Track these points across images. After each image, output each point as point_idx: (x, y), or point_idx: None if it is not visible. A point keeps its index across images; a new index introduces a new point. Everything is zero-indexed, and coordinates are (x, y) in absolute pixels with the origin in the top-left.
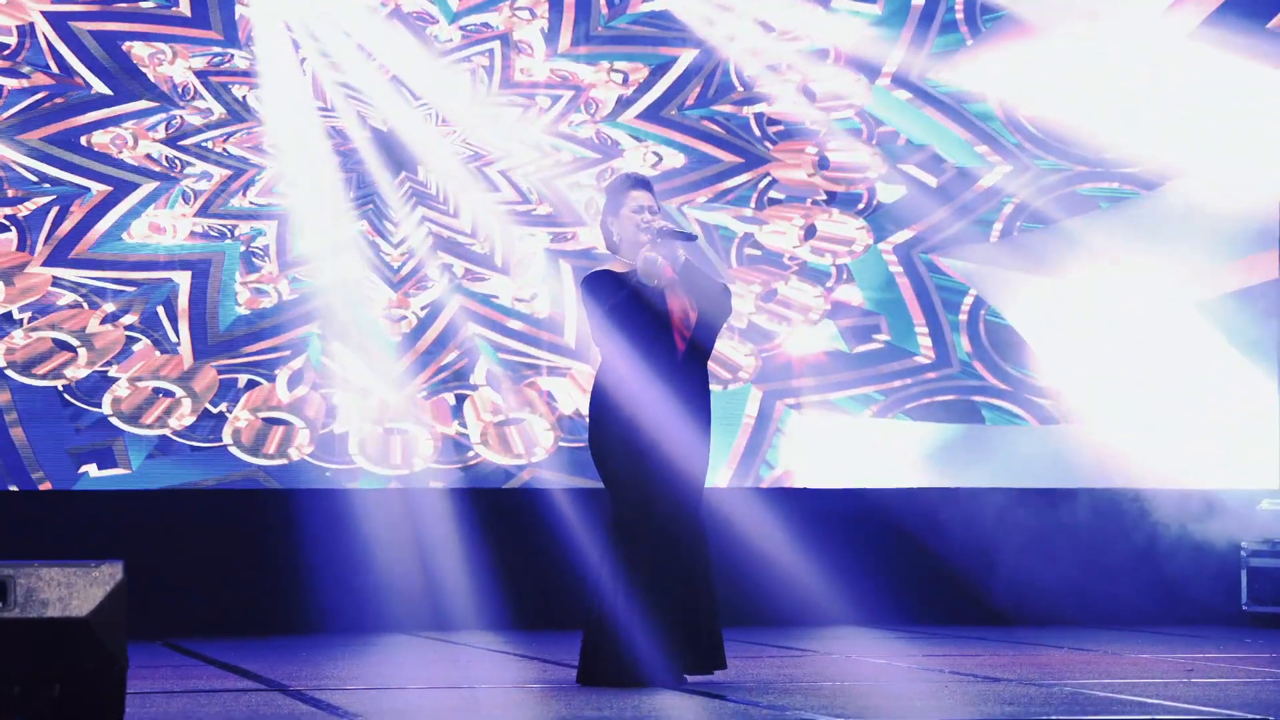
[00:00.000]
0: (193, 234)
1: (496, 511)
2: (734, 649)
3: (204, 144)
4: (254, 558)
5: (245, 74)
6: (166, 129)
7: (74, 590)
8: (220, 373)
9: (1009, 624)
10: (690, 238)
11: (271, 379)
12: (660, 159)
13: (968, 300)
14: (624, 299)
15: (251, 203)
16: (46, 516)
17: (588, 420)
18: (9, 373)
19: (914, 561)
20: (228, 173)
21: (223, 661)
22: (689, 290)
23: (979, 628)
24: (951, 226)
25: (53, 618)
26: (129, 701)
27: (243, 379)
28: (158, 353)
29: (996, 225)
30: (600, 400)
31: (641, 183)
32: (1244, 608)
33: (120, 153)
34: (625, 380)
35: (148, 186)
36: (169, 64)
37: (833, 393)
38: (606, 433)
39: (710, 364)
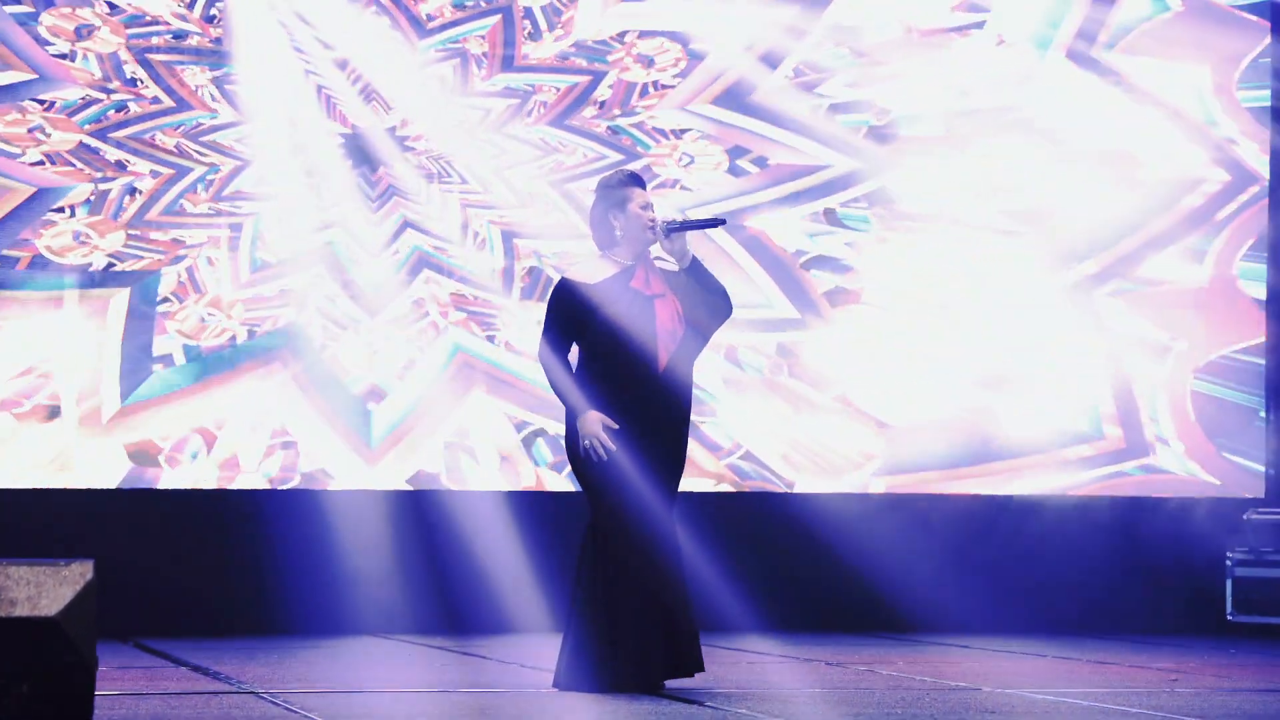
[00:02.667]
0: (129, 240)
1: (470, 513)
2: (713, 655)
3: (141, 136)
4: (226, 558)
5: (193, 51)
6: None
7: (43, 589)
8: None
9: (991, 632)
10: (718, 223)
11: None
12: (692, 160)
13: (1171, 360)
14: (603, 317)
15: (210, 208)
16: (15, 515)
17: (565, 423)
18: None
19: (894, 568)
20: (170, 172)
21: (194, 663)
22: (692, 288)
23: (959, 635)
24: (1148, 256)
25: (21, 617)
26: (98, 703)
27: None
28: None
29: (1209, 255)
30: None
31: (642, 181)
32: (1229, 617)
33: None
34: (598, 385)
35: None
36: (92, 37)
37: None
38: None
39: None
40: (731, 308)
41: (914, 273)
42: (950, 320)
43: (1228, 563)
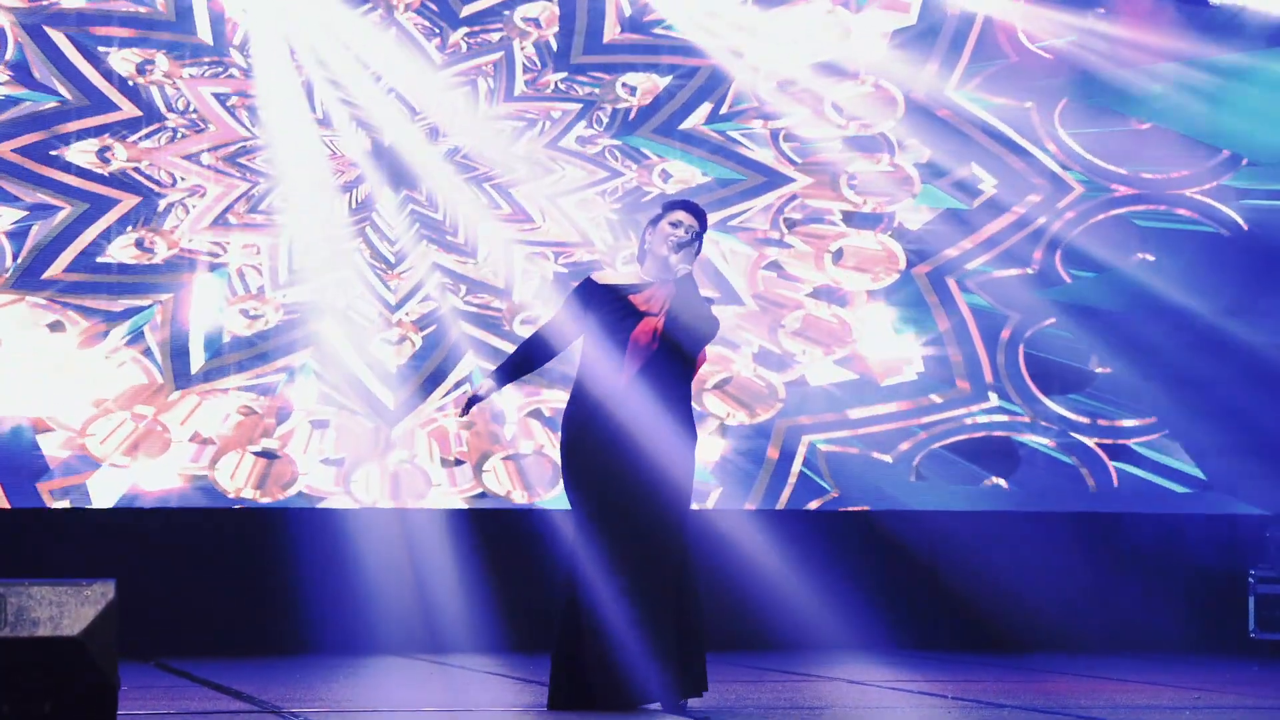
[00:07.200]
0: (181, 250)
1: (491, 532)
2: (736, 673)
3: (193, 157)
4: (247, 578)
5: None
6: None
7: (65, 609)
8: (206, 401)
9: (1014, 650)
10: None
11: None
12: (670, 176)
13: (1006, 330)
14: (592, 320)
15: (245, 222)
16: (38, 535)
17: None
18: None
19: (917, 585)
20: (222, 189)
21: (215, 682)
22: (679, 305)
23: (983, 654)
24: (987, 253)
25: (44, 637)
26: None
27: (229, 409)
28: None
29: (1035, 255)
30: (566, 411)
31: (689, 207)
32: (1251, 635)
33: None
34: (581, 384)
35: (129, 202)
36: (154, 73)
37: (861, 428)
38: (563, 448)
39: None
40: (713, 334)
41: None
42: None
43: (1250, 580)
